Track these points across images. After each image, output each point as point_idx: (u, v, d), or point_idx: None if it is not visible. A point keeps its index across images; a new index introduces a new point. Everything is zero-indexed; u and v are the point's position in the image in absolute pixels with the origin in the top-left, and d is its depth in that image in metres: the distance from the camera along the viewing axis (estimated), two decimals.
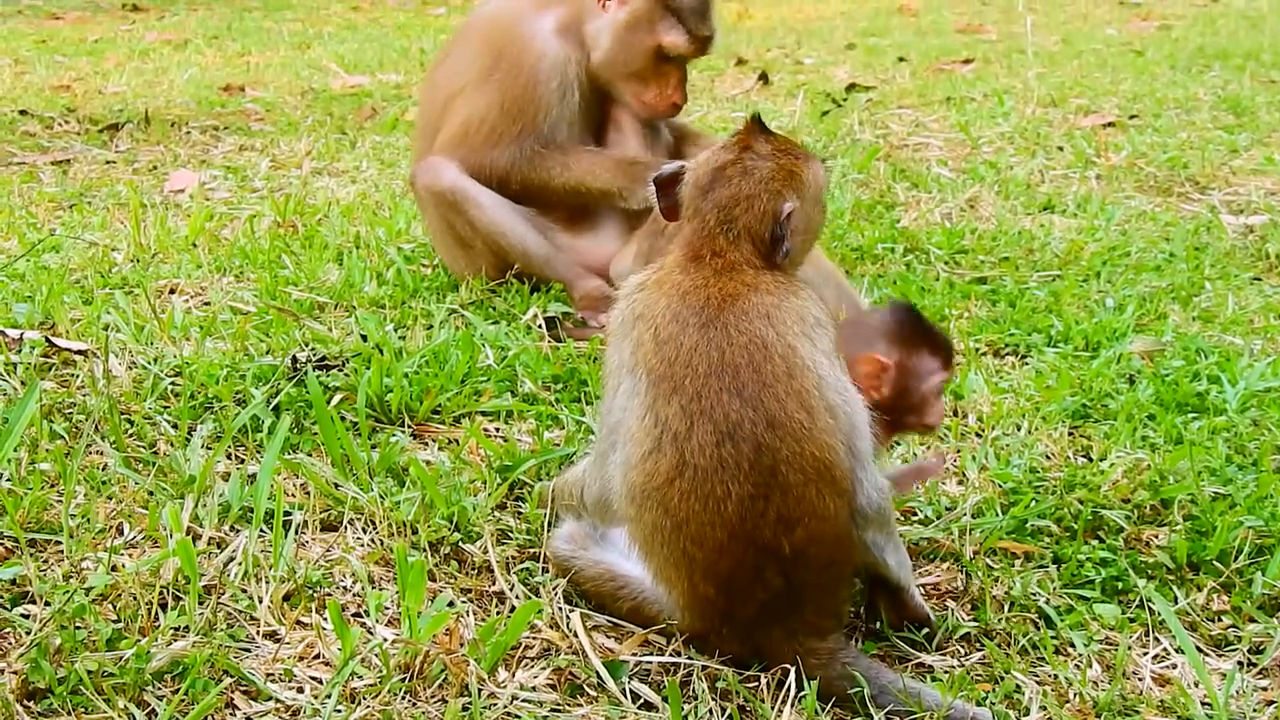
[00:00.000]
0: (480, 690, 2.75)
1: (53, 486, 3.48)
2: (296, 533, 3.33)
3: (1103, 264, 5.58)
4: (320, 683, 2.79)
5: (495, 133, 5.14)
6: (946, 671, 2.91)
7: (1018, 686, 2.85)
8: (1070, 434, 4.03)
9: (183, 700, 2.68)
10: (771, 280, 2.90)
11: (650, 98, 5.19)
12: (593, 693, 2.82)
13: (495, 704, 2.74)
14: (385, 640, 2.87)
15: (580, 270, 5.17)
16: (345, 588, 3.15)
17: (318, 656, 2.88)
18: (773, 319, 2.83)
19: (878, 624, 3.04)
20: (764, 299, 2.85)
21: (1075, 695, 2.84)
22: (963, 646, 3.03)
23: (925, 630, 3.03)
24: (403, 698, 2.74)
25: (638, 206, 5.07)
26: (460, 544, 3.30)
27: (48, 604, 2.93)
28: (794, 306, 2.88)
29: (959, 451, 3.89)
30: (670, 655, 2.90)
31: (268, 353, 4.45)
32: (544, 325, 4.84)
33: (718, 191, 2.98)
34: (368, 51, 13.82)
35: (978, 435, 4.01)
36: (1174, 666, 2.95)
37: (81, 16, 18.83)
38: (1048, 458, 3.87)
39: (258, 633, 2.95)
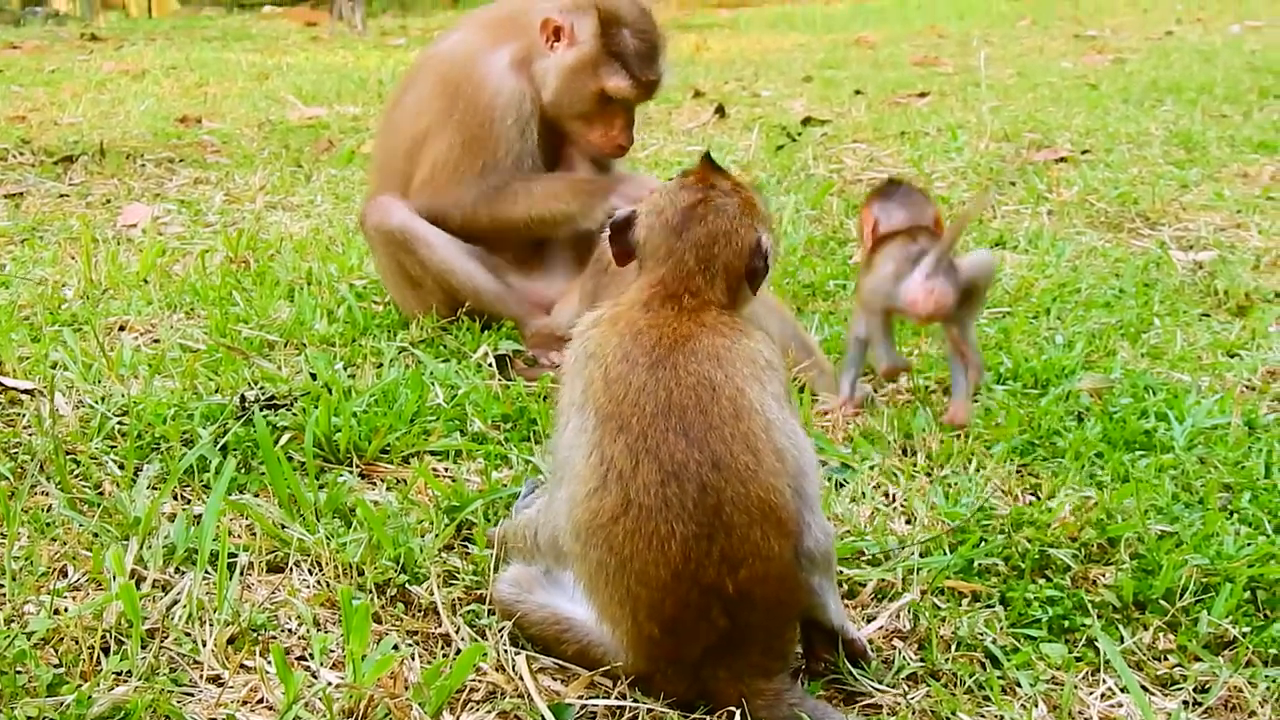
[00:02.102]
0: None
1: None
2: (242, 575, 3.31)
3: (1053, 300, 5.61)
4: None
5: (459, 171, 5.15)
6: (893, 712, 2.91)
7: None
8: (1019, 472, 4.04)
9: None
10: (726, 322, 2.91)
11: (596, 138, 5.19)
12: None
13: None
14: (329, 684, 2.85)
15: (531, 308, 5.17)
16: (290, 630, 3.13)
17: (261, 701, 2.86)
18: (722, 361, 2.84)
19: (820, 664, 3.03)
20: (715, 340, 2.86)
21: None
22: (909, 685, 3.02)
23: (866, 664, 3.02)
24: None
25: (595, 224, 5.02)
26: (407, 585, 3.28)
27: None
28: (744, 349, 2.88)
29: (906, 492, 3.90)
30: (616, 698, 2.89)
31: (216, 391, 4.43)
32: (494, 364, 4.83)
33: (693, 230, 2.99)
34: (326, 83, 13.81)
35: (927, 475, 4.02)
36: (1120, 705, 2.95)
37: (39, 46, 18.79)
38: (997, 496, 3.87)
39: (201, 676, 2.92)
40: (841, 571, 3.33)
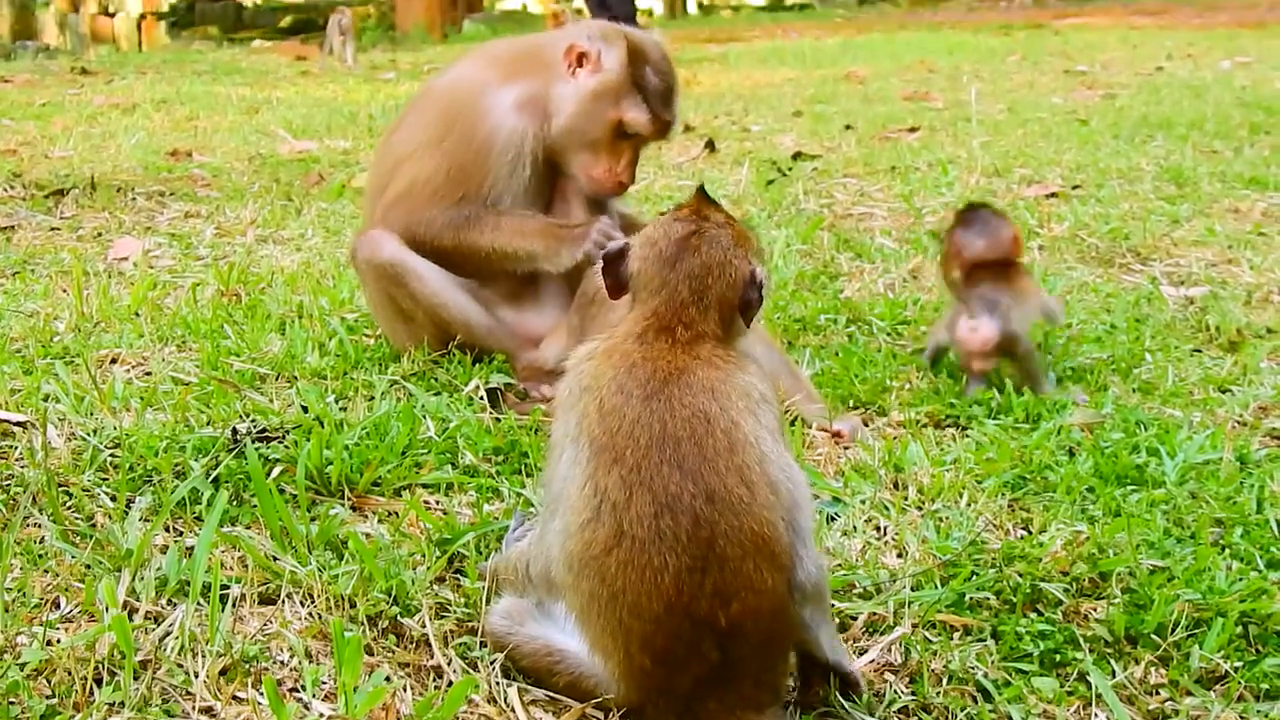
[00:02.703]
0: None
1: None
2: (234, 606, 3.31)
3: (1044, 335, 5.62)
4: None
5: (437, 195, 5.14)
6: None
7: None
8: (1010, 506, 4.06)
9: None
10: (721, 355, 2.94)
11: (599, 172, 5.19)
12: None
13: None
14: (321, 716, 2.86)
15: (522, 342, 5.19)
16: (282, 662, 3.14)
17: None
18: (717, 394, 2.86)
19: (815, 696, 3.04)
20: (710, 373, 2.89)
21: None
22: (901, 719, 3.03)
23: (859, 696, 3.04)
24: None
25: (559, 270, 5.09)
26: (399, 618, 3.29)
27: None
28: (740, 382, 2.91)
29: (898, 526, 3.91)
30: None
31: (208, 424, 4.44)
32: (486, 397, 4.84)
33: (687, 262, 3.02)
34: (316, 117, 13.83)
35: (918, 508, 4.03)
36: None
37: (30, 80, 18.81)
38: (988, 530, 3.89)
39: (193, 708, 2.93)
40: (833, 605, 3.35)
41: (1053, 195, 8.83)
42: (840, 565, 3.62)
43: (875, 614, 3.41)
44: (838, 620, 3.33)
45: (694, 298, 2.99)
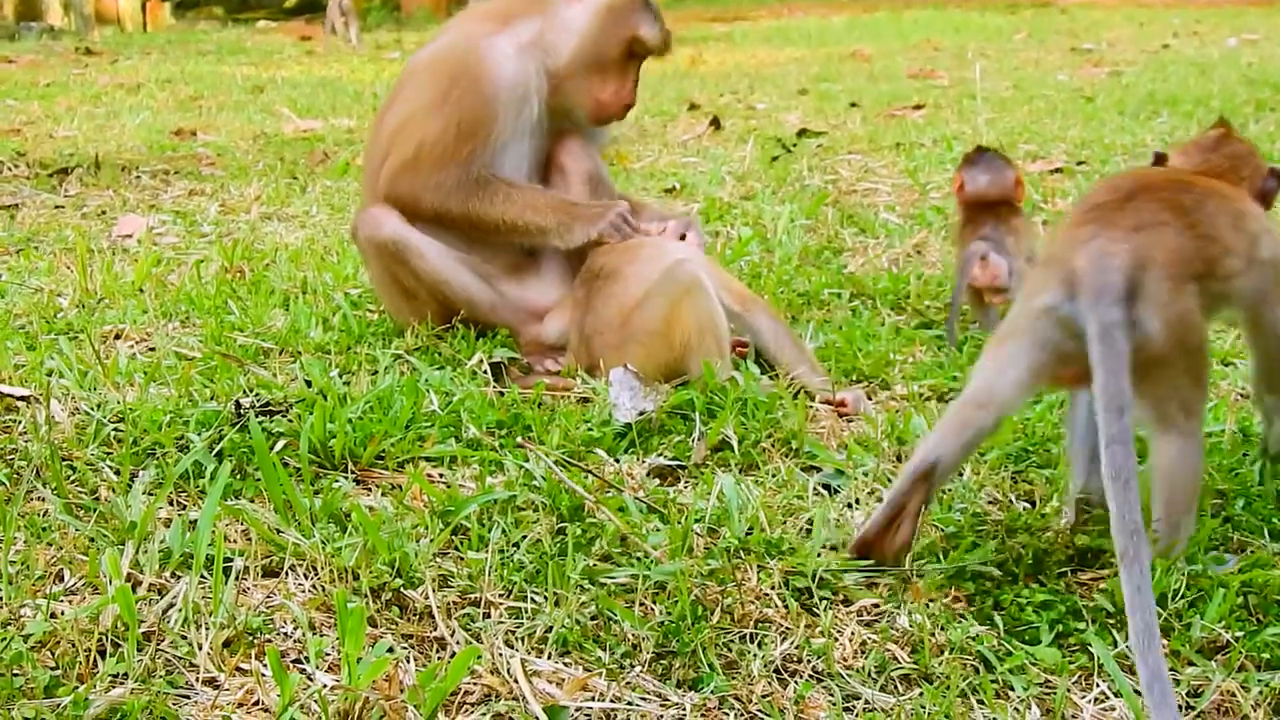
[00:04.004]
0: None
1: None
2: (237, 579, 3.31)
3: None
4: None
5: (446, 154, 5.11)
6: (886, 714, 2.91)
7: None
8: (1013, 479, 4.04)
9: None
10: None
11: (607, 95, 5.22)
12: None
13: None
14: (324, 687, 2.86)
15: (525, 317, 5.19)
16: (285, 634, 3.14)
17: (257, 703, 2.87)
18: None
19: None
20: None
21: None
22: (903, 688, 3.04)
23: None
24: None
25: (568, 247, 5.10)
26: (402, 589, 3.29)
27: None
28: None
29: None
30: (611, 701, 2.90)
31: (212, 398, 4.44)
32: (489, 371, 4.84)
33: (1226, 148, 3.76)
34: (320, 96, 13.84)
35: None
36: (1113, 709, 2.96)
37: (34, 60, 18.83)
38: (991, 502, 3.89)
39: (197, 679, 2.93)
40: (834, 575, 3.36)
41: (1057, 171, 8.83)
42: (844, 538, 3.62)
43: (877, 584, 3.42)
44: (841, 595, 3.34)
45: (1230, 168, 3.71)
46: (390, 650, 2.99)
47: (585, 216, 5.07)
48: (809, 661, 3.08)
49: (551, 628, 3.11)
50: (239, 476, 3.88)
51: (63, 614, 3.10)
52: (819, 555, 3.45)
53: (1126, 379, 3.06)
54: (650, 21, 5.16)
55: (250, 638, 3.08)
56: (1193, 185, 3.46)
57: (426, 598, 3.25)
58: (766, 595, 3.28)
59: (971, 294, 5.43)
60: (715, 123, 11.31)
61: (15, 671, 2.85)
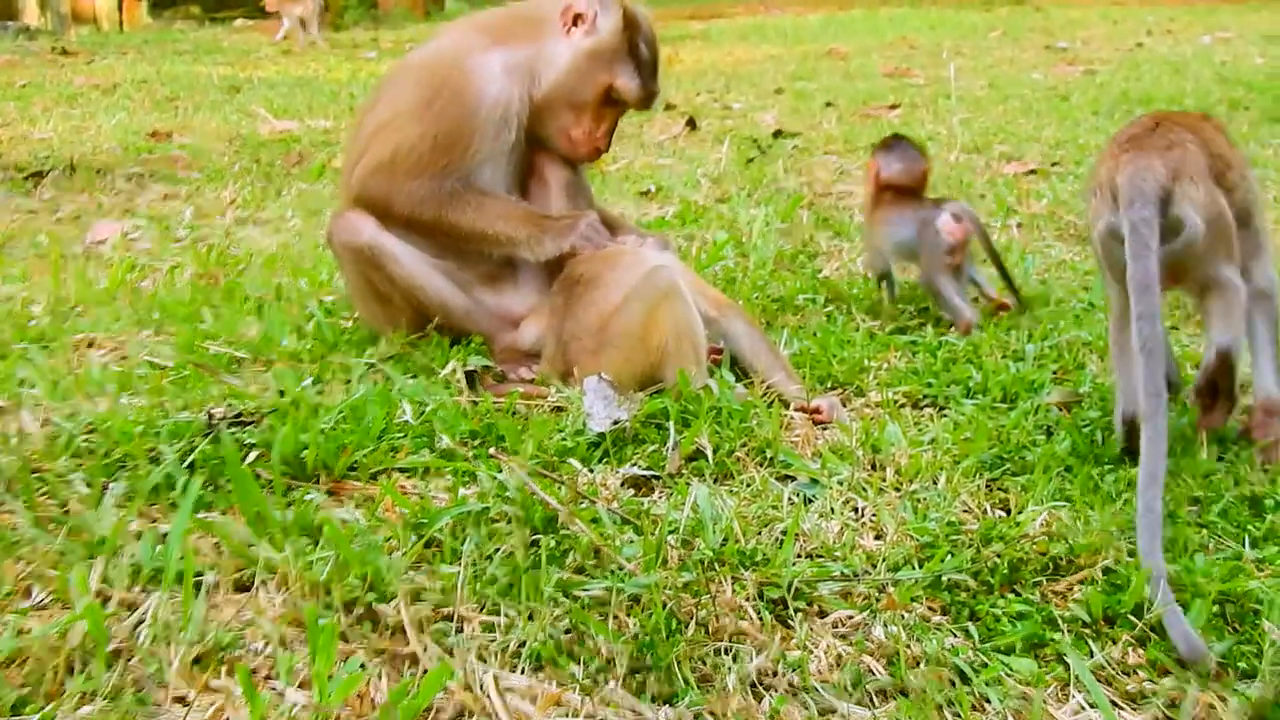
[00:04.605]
0: None
1: None
2: (208, 594, 3.28)
3: (1022, 314, 5.62)
4: None
5: (421, 163, 5.09)
6: None
7: None
8: (988, 487, 4.03)
9: None
10: None
11: (578, 134, 5.20)
12: None
13: None
14: (295, 704, 2.83)
15: (500, 324, 5.16)
16: (256, 650, 3.11)
17: None
18: None
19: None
20: None
21: None
22: (879, 701, 3.02)
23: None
24: None
25: (538, 259, 5.08)
26: (374, 604, 3.26)
27: None
28: None
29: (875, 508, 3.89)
30: (585, 717, 2.88)
31: (184, 409, 4.41)
32: (463, 380, 4.82)
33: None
34: (297, 97, 13.80)
35: (896, 489, 4.01)
36: None
37: (10, 60, 18.75)
38: (965, 511, 3.87)
39: (167, 697, 2.90)
40: (810, 587, 3.34)
41: (1032, 172, 8.83)
42: (818, 548, 3.60)
43: (852, 596, 3.40)
44: (815, 606, 3.32)
45: None
46: (362, 667, 2.96)
47: (556, 228, 5.05)
48: (784, 675, 3.05)
49: (525, 642, 3.08)
50: (211, 489, 3.84)
51: (31, 630, 3.07)
52: (793, 565, 3.43)
53: (1154, 263, 3.65)
54: (630, 73, 5.14)
55: (221, 654, 3.05)
56: (1199, 119, 4.17)
57: (399, 612, 3.22)
58: (741, 607, 3.26)
59: (935, 255, 5.75)
60: (691, 123, 11.30)
61: None
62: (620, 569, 3.38)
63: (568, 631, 3.14)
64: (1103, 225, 3.89)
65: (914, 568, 3.49)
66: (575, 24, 5.13)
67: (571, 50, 5.14)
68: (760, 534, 3.65)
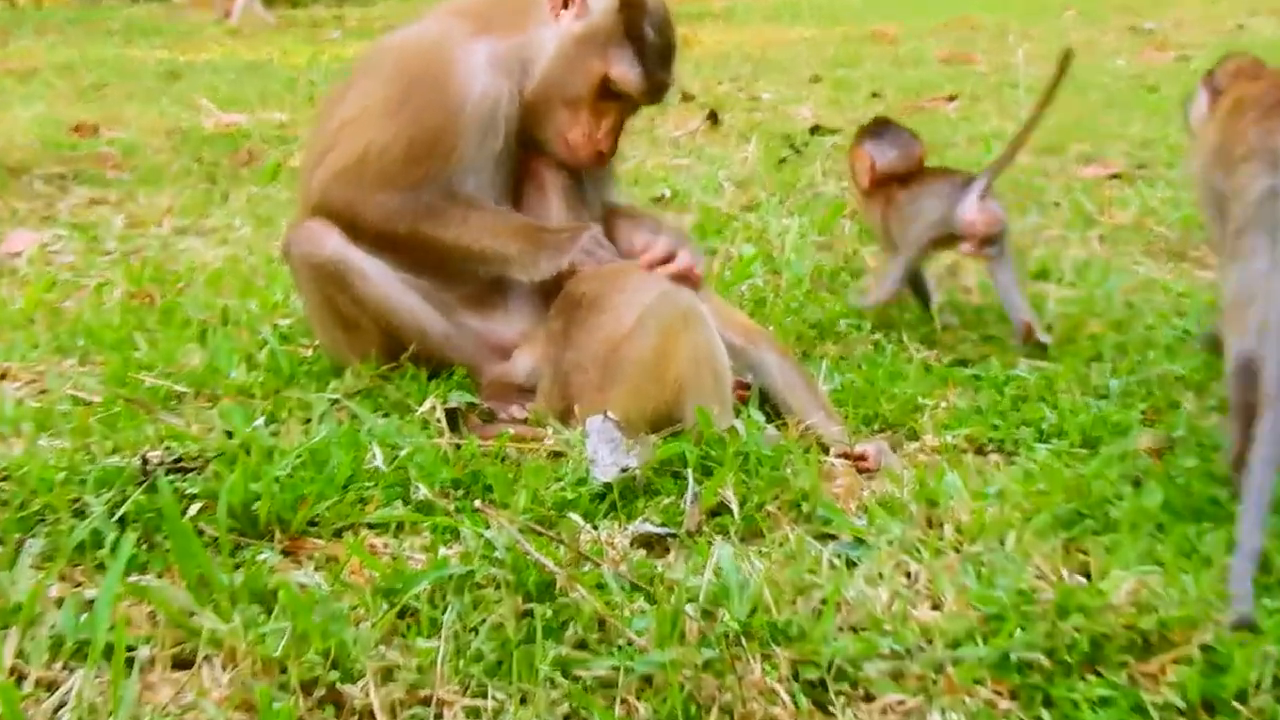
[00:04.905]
0: None
1: None
2: (142, 671, 3.28)
3: (1105, 343, 5.61)
4: None
5: (393, 172, 5.08)
6: None
7: None
8: (1065, 548, 4.01)
9: None
10: None
11: (576, 136, 5.19)
12: None
13: None
14: None
15: (488, 353, 5.16)
16: None
17: None
18: None
19: None
20: None
21: None
22: None
23: None
24: None
25: (534, 279, 5.08)
26: (337, 684, 3.26)
27: None
28: None
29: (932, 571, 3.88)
30: None
31: (114, 452, 4.42)
32: (444, 419, 4.81)
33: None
34: (247, 84, 13.84)
35: (955, 550, 4.00)
36: None
37: None
38: (1039, 576, 3.86)
39: None
40: (854, 666, 3.33)
41: (1115, 176, 8.84)
42: (864, 620, 3.60)
43: (904, 675, 3.39)
44: (860, 689, 3.32)
45: None
46: None
47: (552, 243, 5.05)
48: None
49: None
50: (145, 547, 3.84)
51: None
52: (834, 641, 3.43)
53: None
54: (628, 60, 5.09)
55: None
56: None
57: (367, 694, 3.23)
58: (773, 690, 3.26)
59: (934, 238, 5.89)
60: (712, 117, 11.33)
61: None
62: (629, 644, 3.38)
63: (567, 718, 3.14)
64: (1262, 188, 4.16)
65: (977, 644, 3.48)
66: (565, 6, 5.11)
67: (558, 37, 5.13)
68: (795, 603, 3.64)
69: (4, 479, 4.19)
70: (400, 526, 4.09)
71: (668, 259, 5.05)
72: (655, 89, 5.17)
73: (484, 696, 3.21)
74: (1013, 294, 5.79)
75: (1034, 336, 5.63)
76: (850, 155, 6.18)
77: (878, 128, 6.13)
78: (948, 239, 5.82)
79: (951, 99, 12.19)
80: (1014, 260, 5.91)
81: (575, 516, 4.10)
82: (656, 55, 5.12)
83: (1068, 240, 7.30)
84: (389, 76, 5.21)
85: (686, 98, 12.48)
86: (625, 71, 5.09)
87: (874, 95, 12.58)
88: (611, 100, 5.17)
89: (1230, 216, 4.29)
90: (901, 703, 3.30)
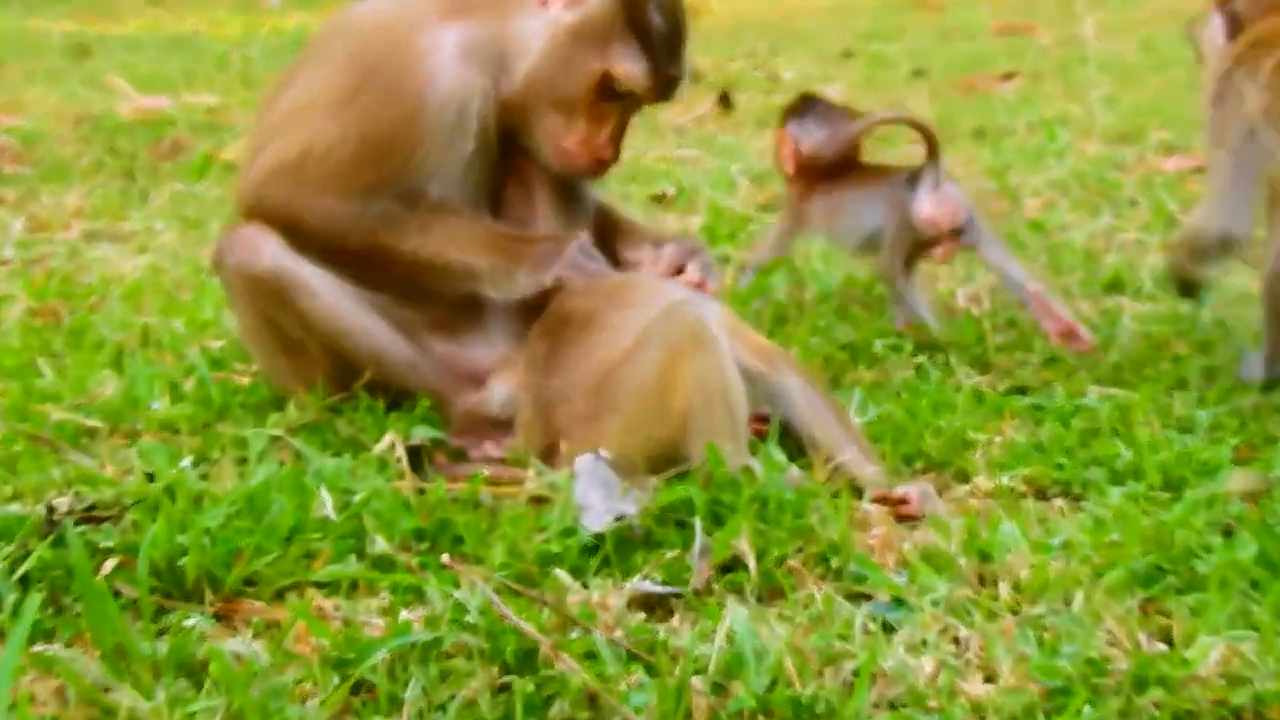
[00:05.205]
0: None
1: None
2: None
3: (1191, 368, 5.61)
4: None
5: (340, 175, 5.08)
6: None
7: None
8: (1143, 609, 4.03)
9: None
10: None
11: (571, 143, 5.16)
12: None
13: None
14: None
15: (457, 381, 5.17)
16: None
17: None
18: None
19: None
20: None
21: None
22: None
23: None
24: None
25: (510, 297, 5.08)
26: None
27: None
28: None
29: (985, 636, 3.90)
30: None
31: (14, 499, 4.43)
32: (405, 459, 4.82)
33: None
34: (170, 62, 13.86)
35: (1013, 612, 4.01)
36: None
37: None
38: (1111, 643, 3.87)
39: None
40: None
41: (1200, 170, 8.85)
42: (904, 695, 3.61)
43: None
44: None
45: None
46: None
47: (532, 256, 5.04)
48: None
49: None
50: (52, 611, 3.85)
51: None
52: (869, 718, 3.44)
53: None
54: (633, 54, 5.04)
55: None
56: None
57: None
58: None
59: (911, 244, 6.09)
60: (724, 99, 11.37)
61: None
62: None
63: None
64: None
65: None
66: None
67: (549, 30, 5.09)
68: (823, 675, 3.65)
69: None
70: (354, 586, 4.10)
71: (674, 274, 5.06)
72: (664, 86, 5.14)
73: None
74: (1010, 269, 6.06)
75: (1051, 310, 5.89)
76: (775, 136, 6.45)
77: (804, 105, 6.36)
78: (917, 245, 6.05)
79: (1008, 77, 12.23)
80: (996, 235, 6.20)
81: (561, 573, 4.09)
82: (664, 45, 5.08)
83: (1145, 245, 7.31)
84: (341, 62, 5.21)
85: (694, 77, 12.50)
86: (629, 68, 5.05)
87: (916, 73, 12.62)
88: (613, 101, 5.14)
89: None
90: None
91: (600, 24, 5.04)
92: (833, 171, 6.18)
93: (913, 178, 6.00)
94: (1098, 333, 6.03)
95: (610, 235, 5.34)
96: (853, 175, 6.18)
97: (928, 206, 5.90)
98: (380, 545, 4.23)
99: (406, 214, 5.08)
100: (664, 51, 5.07)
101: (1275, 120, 5.13)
